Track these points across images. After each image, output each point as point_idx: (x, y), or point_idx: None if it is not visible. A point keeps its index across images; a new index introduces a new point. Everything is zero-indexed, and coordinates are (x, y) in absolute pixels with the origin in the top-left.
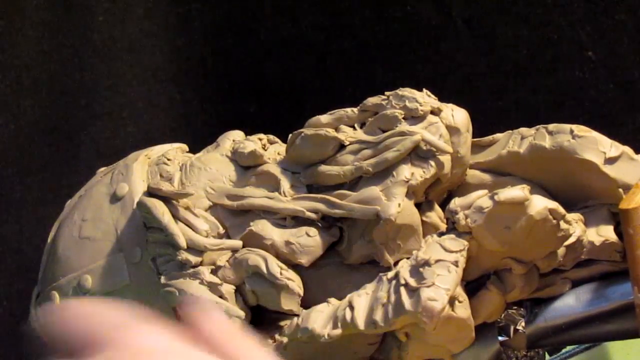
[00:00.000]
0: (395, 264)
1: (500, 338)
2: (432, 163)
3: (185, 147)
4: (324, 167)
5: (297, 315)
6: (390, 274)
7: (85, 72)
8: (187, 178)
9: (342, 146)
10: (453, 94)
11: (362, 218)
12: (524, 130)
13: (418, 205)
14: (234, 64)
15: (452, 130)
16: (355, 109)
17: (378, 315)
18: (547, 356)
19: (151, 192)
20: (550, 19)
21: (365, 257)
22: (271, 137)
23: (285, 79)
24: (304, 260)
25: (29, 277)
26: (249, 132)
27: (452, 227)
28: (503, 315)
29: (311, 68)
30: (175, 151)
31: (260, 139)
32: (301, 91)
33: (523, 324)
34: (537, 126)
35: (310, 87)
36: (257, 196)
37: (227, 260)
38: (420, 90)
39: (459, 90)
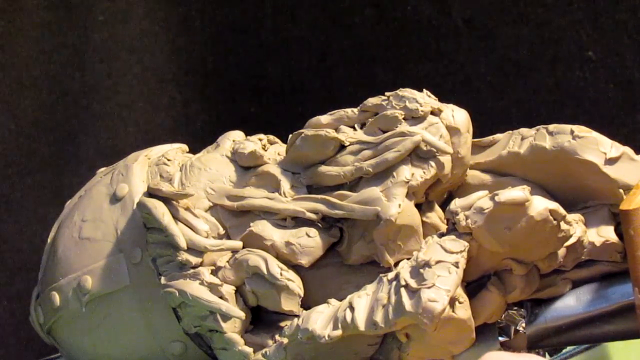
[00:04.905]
0: (396, 264)
1: (500, 339)
2: (433, 164)
3: (185, 147)
4: (324, 168)
5: (298, 316)
6: (391, 275)
7: (85, 72)
8: (187, 178)
9: (342, 147)
10: (453, 94)
11: (363, 219)
12: (524, 130)
13: (418, 206)
14: (234, 64)
15: (453, 130)
16: (355, 110)
17: (378, 316)
18: (547, 356)
19: (151, 193)
20: (550, 19)
21: (366, 257)
22: (271, 137)
23: (285, 79)
24: (304, 261)
25: (29, 277)
26: (249, 132)
27: (453, 227)
28: (504, 316)
29: (311, 68)
30: (175, 151)
31: (260, 140)
32: (301, 91)
33: (524, 324)
34: (538, 126)
35: (310, 87)
36: (257, 197)
37: (227, 261)
38: (420, 90)
39: (459, 90)
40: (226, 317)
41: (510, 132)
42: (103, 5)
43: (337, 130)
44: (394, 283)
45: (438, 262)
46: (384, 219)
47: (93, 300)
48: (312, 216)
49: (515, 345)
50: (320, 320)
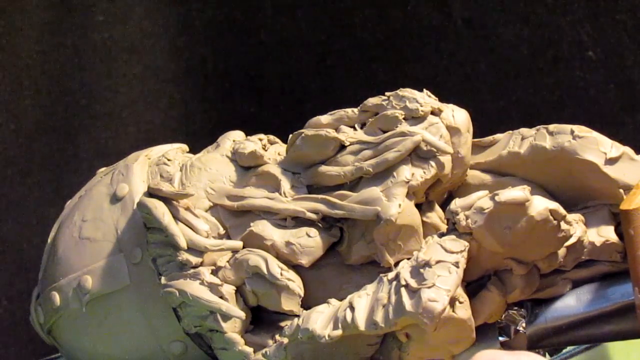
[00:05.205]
0: (396, 264)
1: (501, 339)
2: (433, 164)
3: (185, 147)
4: (324, 168)
5: (298, 316)
6: (391, 275)
7: (85, 72)
8: (188, 178)
9: (342, 147)
10: (453, 94)
11: (363, 219)
12: (524, 130)
13: (418, 206)
14: (234, 64)
15: (453, 130)
16: (355, 110)
17: (379, 316)
18: (547, 356)
19: (151, 193)
20: (550, 19)
21: (366, 257)
22: (271, 137)
23: (285, 79)
24: (305, 261)
25: (29, 277)
26: (249, 132)
27: (453, 227)
28: (504, 315)
29: (311, 68)
30: (175, 151)
31: (260, 139)
32: (301, 91)
33: (524, 324)
34: (538, 127)
35: (310, 87)
36: (257, 197)
37: (228, 261)
38: (420, 90)
39: (459, 90)
40: (226, 317)
41: (510, 132)
42: (103, 5)
43: (337, 130)
44: (394, 283)
45: (438, 262)
46: (384, 219)
47: (93, 300)
48: (312, 216)
49: (515, 345)
50: (320, 320)
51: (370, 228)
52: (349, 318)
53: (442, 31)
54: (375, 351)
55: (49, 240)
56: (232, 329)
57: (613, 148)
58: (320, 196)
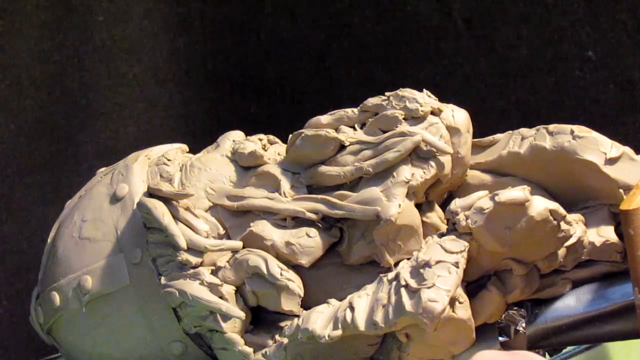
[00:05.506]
0: (396, 264)
1: (500, 339)
2: (433, 164)
3: (185, 147)
4: (324, 168)
5: (298, 316)
6: (391, 275)
7: (85, 72)
8: (187, 178)
9: (342, 147)
10: (453, 94)
11: (363, 219)
12: (524, 130)
13: (418, 206)
14: (234, 64)
15: (453, 130)
16: (355, 110)
17: (378, 316)
18: (547, 356)
19: (151, 193)
20: (550, 19)
21: (366, 257)
22: (271, 137)
23: (285, 79)
24: (305, 261)
25: (29, 277)
26: (249, 132)
27: (453, 228)
28: (504, 316)
29: (311, 68)
30: (175, 151)
31: (260, 140)
32: (301, 91)
33: (524, 324)
34: (538, 127)
35: (310, 87)
36: (257, 197)
37: (228, 261)
38: (420, 90)
39: (459, 90)
40: (226, 317)
41: (510, 132)
42: (103, 5)
43: (337, 130)
44: (394, 283)
45: (438, 262)
46: (384, 219)
47: (93, 300)
48: (312, 216)
49: (515, 345)
50: (320, 320)
51: (370, 228)
52: (348, 318)
53: (442, 31)
54: (375, 351)
55: (49, 240)
56: (232, 329)
57: (613, 148)
58: (320, 196)
